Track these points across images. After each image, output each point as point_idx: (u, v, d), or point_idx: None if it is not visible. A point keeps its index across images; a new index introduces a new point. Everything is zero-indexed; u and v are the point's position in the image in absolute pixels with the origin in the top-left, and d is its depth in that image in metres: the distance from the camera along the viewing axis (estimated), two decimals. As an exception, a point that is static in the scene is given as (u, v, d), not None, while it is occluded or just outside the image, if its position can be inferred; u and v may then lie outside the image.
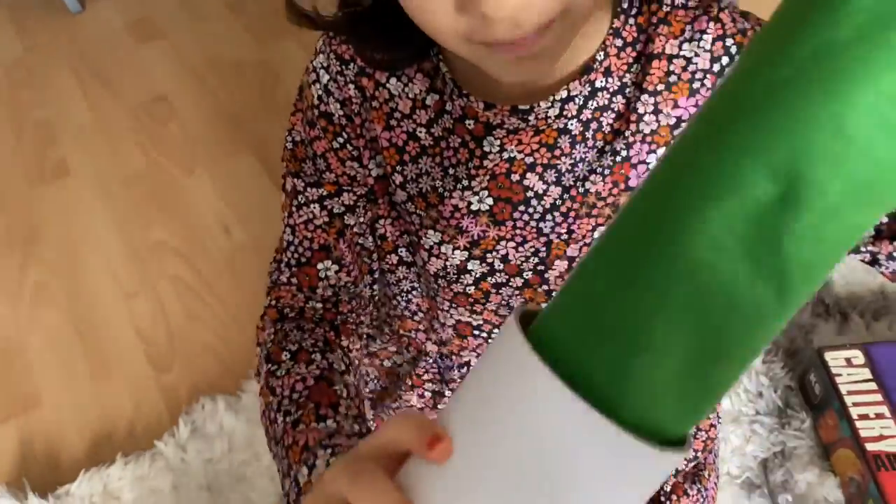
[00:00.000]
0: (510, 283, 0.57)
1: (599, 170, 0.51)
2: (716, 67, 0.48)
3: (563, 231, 0.53)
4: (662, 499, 0.70)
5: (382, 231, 0.59)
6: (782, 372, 0.90)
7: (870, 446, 0.77)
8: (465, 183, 0.53)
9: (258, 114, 1.43)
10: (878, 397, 0.80)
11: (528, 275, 0.56)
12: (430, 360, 0.68)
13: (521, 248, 0.55)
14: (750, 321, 0.24)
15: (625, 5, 0.49)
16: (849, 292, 0.97)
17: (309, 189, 0.56)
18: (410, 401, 0.71)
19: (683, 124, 0.50)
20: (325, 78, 0.53)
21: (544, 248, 0.54)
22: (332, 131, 0.54)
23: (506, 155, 0.51)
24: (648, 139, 0.50)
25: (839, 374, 0.82)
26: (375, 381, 0.75)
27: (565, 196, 0.52)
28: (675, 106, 0.49)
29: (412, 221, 0.56)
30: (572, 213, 0.53)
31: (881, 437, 0.77)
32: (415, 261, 0.59)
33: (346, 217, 0.56)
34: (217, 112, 1.45)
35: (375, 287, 0.61)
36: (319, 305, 0.57)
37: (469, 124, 0.51)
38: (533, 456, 0.26)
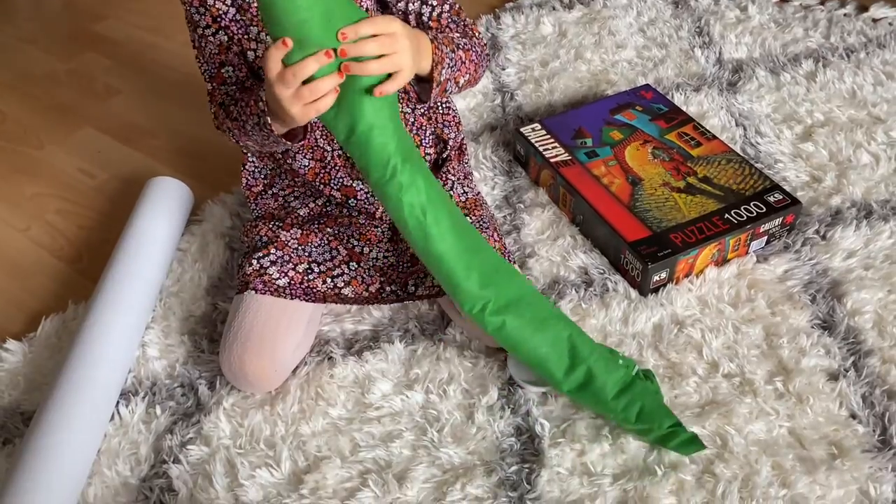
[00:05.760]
0: None
1: None
2: None
3: None
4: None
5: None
6: (503, 153, 1.47)
7: (553, 161, 1.35)
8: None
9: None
10: (553, 141, 1.39)
11: None
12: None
13: None
14: None
15: None
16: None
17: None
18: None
19: None
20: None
21: None
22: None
23: None
24: None
25: (530, 136, 1.41)
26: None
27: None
28: None
29: (248, 27, 1.04)
30: None
31: (557, 156, 1.36)
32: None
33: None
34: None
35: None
36: (233, 88, 1.08)
37: None
38: None
